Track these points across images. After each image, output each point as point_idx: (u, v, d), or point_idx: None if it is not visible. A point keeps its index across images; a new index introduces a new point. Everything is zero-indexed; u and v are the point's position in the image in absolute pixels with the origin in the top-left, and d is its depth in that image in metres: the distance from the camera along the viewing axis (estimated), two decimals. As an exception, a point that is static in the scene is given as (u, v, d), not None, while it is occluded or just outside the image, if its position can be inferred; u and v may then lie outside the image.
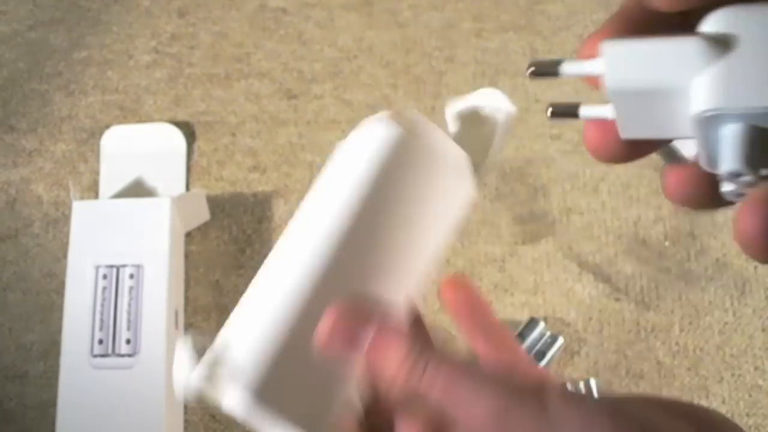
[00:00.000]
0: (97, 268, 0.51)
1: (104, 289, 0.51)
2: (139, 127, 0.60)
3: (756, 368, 0.56)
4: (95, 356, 0.50)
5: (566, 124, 0.64)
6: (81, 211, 0.53)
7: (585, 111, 0.26)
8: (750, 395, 0.55)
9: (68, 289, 0.51)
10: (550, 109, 0.25)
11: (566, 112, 0.25)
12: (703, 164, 0.22)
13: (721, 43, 0.20)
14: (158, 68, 0.64)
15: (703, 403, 0.55)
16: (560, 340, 0.54)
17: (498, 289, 0.57)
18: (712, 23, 0.21)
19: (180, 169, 0.60)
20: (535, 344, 0.54)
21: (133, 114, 0.63)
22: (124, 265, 0.52)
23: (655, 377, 0.55)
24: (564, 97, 0.65)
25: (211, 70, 0.64)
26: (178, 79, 0.64)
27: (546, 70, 0.24)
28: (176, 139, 0.60)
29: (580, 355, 0.56)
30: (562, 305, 0.57)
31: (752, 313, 0.57)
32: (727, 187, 0.21)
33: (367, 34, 0.66)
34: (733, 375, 0.56)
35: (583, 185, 0.61)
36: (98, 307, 0.51)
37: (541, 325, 0.55)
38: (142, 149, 0.60)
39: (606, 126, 0.26)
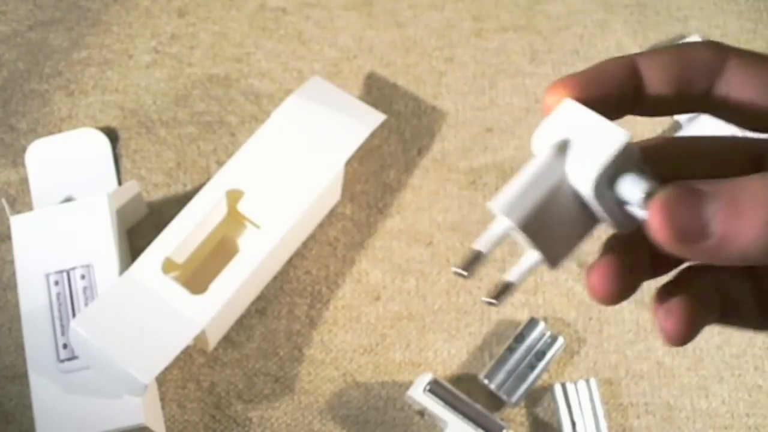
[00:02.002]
0: (47, 275, 0.52)
1: (58, 294, 0.51)
2: (61, 137, 0.60)
3: (756, 368, 0.56)
4: (62, 361, 0.50)
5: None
6: (20, 225, 0.53)
7: (513, 275, 0.28)
8: (750, 395, 0.55)
9: (22, 302, 0.51)
10: (489, 301, 0.28)
11: (502, 290, 0.29)
12: (617, 227, 0.27)
13: (561, 146, 0.25)
14: (158, 68, 0.64)
15: (703, 403, 0.55)
16: (560, 340, 0.54)
17: (498, 289, 0.57)
18: (543, 141, 0.26)
19: (109, 170, 0.60)
20: (535, 344, 0.54)
21: (133, 114, 0.63)
22: (73, 268, 0.52)
23: (655, 377, 0.55)
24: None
25: (211, 70, 0.64)
26: (178, 79, 0.64)
27: (471, 264, 0.28)
28: (101, 142, 0.61)
29: (580, 355, 0.56)
30: (562, 305, 0.57)
31: (752, 313, 0.57)
32: (640, 212, 0.25)
33: (367, 34, 0.66)
34: (733, 375, 0.56)
35: (583, 185, 0.61)
36: (56, 313, 0.51)
37: (541, 325, 0.55)
38: (68, 158, 0.60)
39: (605, 273, 0.28)
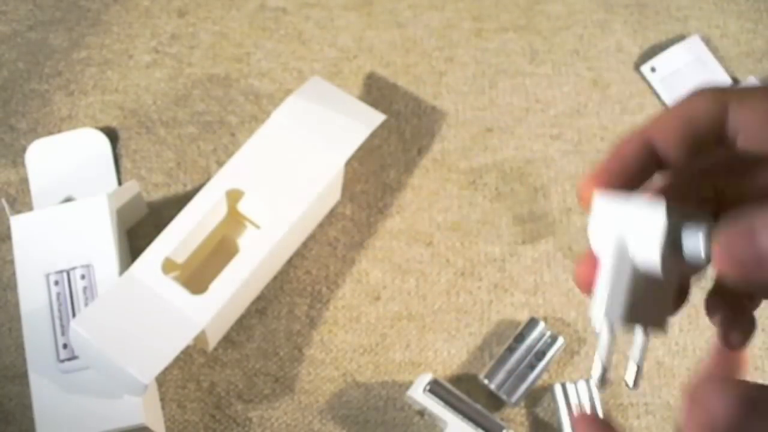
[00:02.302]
0: (48, 276, 0.52)
1: (58, 294, 0.51)
2: (61, 137, 0.60)
3: (756, 368, 0.56)
4: (62, 361, 0.50)
5: (566, 125, 0.64)
6: (20, 225, 0.53)
7: (637, 357, 0.30)
8: (750, 395, 0.55)
9: (22, 302, 0.51)
10: (629, 386, 0.31)
11: (637, 375, 0.31)
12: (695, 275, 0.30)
13: (619, 244, 0.28)
14: (158, 68, 0.64)
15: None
16: (560, 340, 0.54)
17: (498, 289, 0.57)
18: (600, 241, 0.29)
19: (109, 170, 0.60)
20: (535, 344, 0.54)
21: (133, 114, 0.63)
22: (73, 268, 0.52)
23: (655, 377, 0.55)
24: (563, 97, 0.65)
25: (211, 70, 0.64)
26: (178, 79, 0.64)
27: (603, 378, 0.30)
28: (101, 142, 0.61)
29: (580, 355, 0.56)
30: (562, 305, 0.57)
31: (752, 313, 0.57)
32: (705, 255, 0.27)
33: (367, 34, 0.66)
34: (733, 375, 0.56)
35: (583, 185, 0.61)
36: (56, 313, 0.51)
37: (541, 325, 0.55)
38: (68, 158, 0.60)
39: (592, 263, 0.29)
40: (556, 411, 0.54)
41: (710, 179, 0.31)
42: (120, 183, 0.60)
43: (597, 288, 0.28)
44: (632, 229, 0.28)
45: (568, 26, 0.67)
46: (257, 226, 0.54)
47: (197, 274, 0.54)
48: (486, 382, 0.54)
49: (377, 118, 0.57)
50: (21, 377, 0.54)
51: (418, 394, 0.52)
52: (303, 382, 0.55)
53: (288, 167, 0.54)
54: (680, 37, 0.67)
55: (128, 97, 0.63)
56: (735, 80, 0.65)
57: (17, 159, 0.60)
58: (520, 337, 0.54)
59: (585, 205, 0.29)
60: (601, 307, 0.28)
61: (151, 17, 0.67)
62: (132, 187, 0.56)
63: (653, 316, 0.29)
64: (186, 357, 0.55)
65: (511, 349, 0.54)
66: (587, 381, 0.53)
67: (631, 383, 0.30)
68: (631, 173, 0.29)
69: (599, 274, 0.28)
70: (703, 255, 0.27)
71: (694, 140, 0.29)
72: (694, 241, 0.27)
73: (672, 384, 0.55)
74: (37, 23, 0.66)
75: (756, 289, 0.27)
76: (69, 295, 0.52)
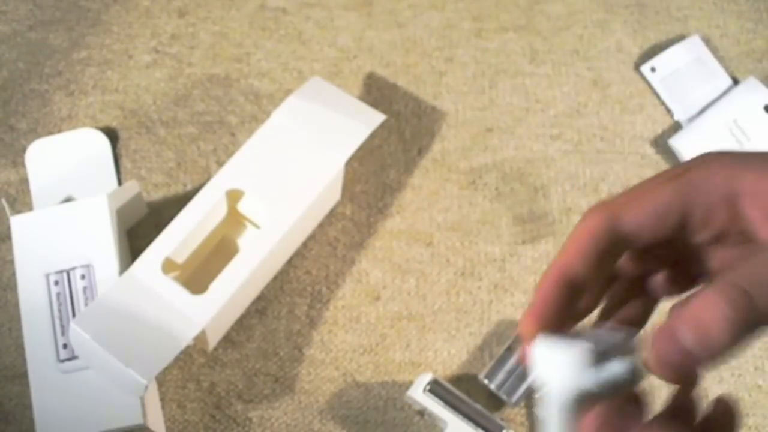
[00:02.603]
0: (48, 275, 0.52)
1: (58, 294, 0.51)
2: (61, 137, 0.60)
3: (756, 368, 0.56)
4: (62, 361, 0.50)
5: (566, 125, 0.64)
6: (20, 225, 0.53)
7: None
8: (750, 395, 0.55)
9: (22, 302, 0.51)
10: None
11: None
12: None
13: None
14: (158, 68, 0.64)
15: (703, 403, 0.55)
16: (560, 340, 0.54)
17: (498, 289, 0.57)
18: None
19: (109, 170, 0.60)
20: (535, 344, 0.54)
21: (133, 114, 0.63)
22: (73, 268, 0.52)
23: (655, 377, 0.55)
24: (563, 97, 0.65)
25: (211, 70, 0.64)
26: (178, 79, 0.64)
27: None
28: (101, 142, 0.61)
29: (580, 355, 0.56)
30: (562, 305, 0.57)
31: (752, 313, 0.57)
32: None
33: (367, 34, 0.66)
34: (733, 375, 0.56)
35: (583, 185, 0.61)
36: (56, 313, 0.51)
37: (541, 325, 0.55)
38: (68, 158, 0.60)
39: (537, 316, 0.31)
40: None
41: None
42: (120, 183, 0.60)
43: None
44: (556, 375, 0.29)
45: (568, 26, 0.67)
46: (257, 226, 0.54)
47: (197, 274, 0.54)
48: (486, 382, 0.54)
49: (377, 118, 0.57)
50: (21, 377, 0.54)
51: (418, 394, 0.52)
52: (303, 382, 0.55)
53: (288, 167, 0.54)
54: (680, 37, 0.67)
55: (128, 97, 0.63)
56: (735, 80, 0.65)
57: (17, 159, 0.60)
58: (520, 337, 0.54)
59: (527, 338, 0.31)
60: None
61: (151, 17, 0.67)
62: (132, 187, 0.56)
63: None
64: (186, 357, 0.55)
65: (511, 349, 0.54)
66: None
67: None
68: (557, 308, 0.31)
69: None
70: (634, 381, 0.29)
71: (602, 254, 0.31)
72: (624, 370, 0.29)
73: (672, 384, 0.55)
74: (37, 23, 0.66)
75: (693, 379, 0.31)
76: (69, 295, 0.52)
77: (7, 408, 0.53)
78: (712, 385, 0.55)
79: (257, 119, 0.62)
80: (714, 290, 0.26)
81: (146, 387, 0.46)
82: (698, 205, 0.30)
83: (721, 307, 0.26)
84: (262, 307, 0.57)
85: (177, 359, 0.49)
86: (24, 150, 0.60)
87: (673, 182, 0.30)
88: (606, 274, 0.32)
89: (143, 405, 0.49)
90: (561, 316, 0.31)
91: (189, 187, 0.60)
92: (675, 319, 0.27)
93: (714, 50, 0.66)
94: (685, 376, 0.28)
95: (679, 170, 0.30)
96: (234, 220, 0.55)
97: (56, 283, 0.52)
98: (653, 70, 0.65)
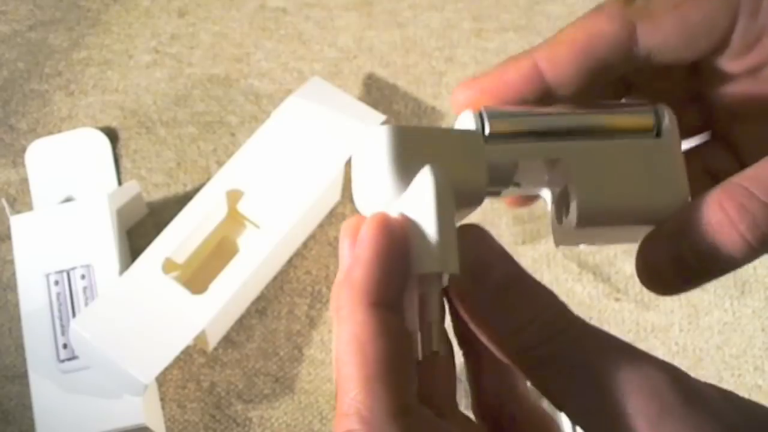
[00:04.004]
0: (47, 275, 0.52)
1: (58, 294, 0.51)
2: (61, 137, 0.60)
3: (756, 368, 0.56)
4: (62, 361, 0.50)
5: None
6: (20, 225, 0.53)
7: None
8: (750, 395, 0.55)
9: (22, 302, 0.51)
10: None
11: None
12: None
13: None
14: (158, 68, 0.64)
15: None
16: (560, 340, 0.54)
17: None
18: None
19: (109, 170, 0.60)
20: (535, 344, 0.54)
21: (133, 114, 0.63)
22: (73, 268, 0.52)
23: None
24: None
25: (211, 70, 0.64)
26: (178, 79, 0.64)
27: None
28: (101, 142, 0.61)
29: (580, 355, 0.56)
30: (562, 305, 0.57)
31: (752, 314, 0.57)
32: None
33: (367, 34, 0.66)
34: (733, 375, 0.56)
35: (583, 185, 0.61)
36: (56, 313, 0.51)
37: (541, 325, 0.55)
38: (68, 158, 0.60)
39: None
40: (555, 411, 0.54)
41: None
42: (120, 183, 0.60)
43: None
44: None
45: (568, 26, 0.67)
46: (257, 226, 0.54)
47: (197, 274, 0.54)
48: (486, 382, 0.53)
49: (377, 118, 0.57)
50: (21, 377, 0.54)
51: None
52: (303, 382, 0.55)
53: (288, 167, 0.54)
54: (680, 37, 0.67)
55: (128, 97, 0.63)
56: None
57: (17, 159, 0.60)
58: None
59: (456, 110, 0.27)
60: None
61: (151, 17, 0.67)
62: (132, 187, 0.56)
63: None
64: (186, 357, 0.55)
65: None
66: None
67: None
68: (510, 99, 0.26)
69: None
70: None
71: (593, 71, 0.26)
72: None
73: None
74: (37, 23, 0.66)
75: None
76: (69, 295, 0.52)
77: (7, 408, 0.53)
78: (712, 385, 0.55)
79: (257, 119, 0.62)
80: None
81: (146, 387, 0.47)
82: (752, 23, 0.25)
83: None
84: (262, 307, 0.57)
85: (177, 359, 0.49)
86: (24, 150, 0.60)
87: None
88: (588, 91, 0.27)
89: (143, 405, 0.49)
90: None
91: (189, 187, 0.60)
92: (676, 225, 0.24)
93: (714, 50, 0.66)
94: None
95: None
96: (234, 220, 0.55)
97: (56, 283, 0.52)
98: (653, 70, 0.65)
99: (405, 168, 0.24)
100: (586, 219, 0.26)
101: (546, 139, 0.26)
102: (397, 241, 0.23)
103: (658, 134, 0.26)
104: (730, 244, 0.23)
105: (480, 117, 0.26)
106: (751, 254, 0.23)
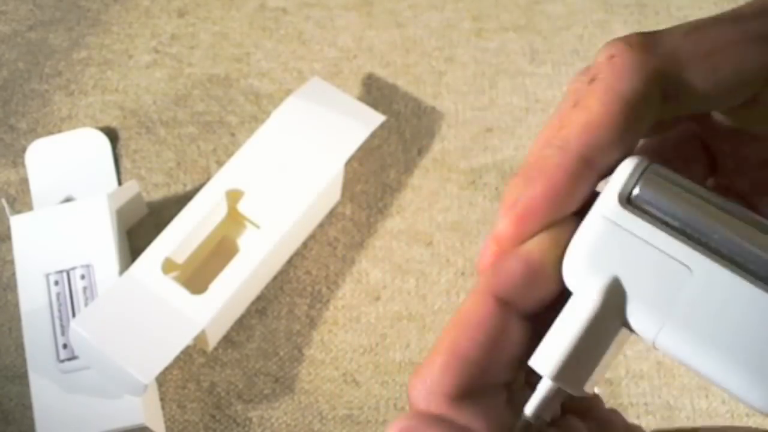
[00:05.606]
0: (47, 275, 0.52)
1: (58, 294, 0.51)
2: (61, 137, 0.60)
3: (756, 368, 0.56)
4: (62, 361, 0.50)
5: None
6: (20, 225, 0.53)
7: (530, 411, 0.23)
8: (750, 395, 0.55)
9: (22, 302, 0.51)
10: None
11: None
12: None
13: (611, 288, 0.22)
14: (158, 68, 0.64)
15: (703, 403, 0.55)
16: (560, 340, 0.54)
17: (498, 289, 0.57)
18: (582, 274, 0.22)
19: (109, 170, 0.60)
20: (535, 344, 0.54)
21: (133, 114, 0.63)
22: (73, 268, 0.52)
23: (655, 377, 0.55)
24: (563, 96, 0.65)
25: (211, 70, 0.64)
26: (178, 79, 0.64)
27: None
28: (101, 142, 0.61)
29: (580, 355, 0.56)
30: (562, 305, 0.57)
31: None
32: None
33: (367, 34, 0.66)
34: None
35: (583, 185, 0.61)
36: (56, 313, 0.51)
37: (541, 325, 0.55)
38: (68, 158, 0.60)
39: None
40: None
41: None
42: (120, 183, 0.60)
43: (558, 334, 0.22)
44: (638, 275, 0.21)
45: (568, 26, 0.67)
46: (257, 226, 0.54)
47: (197, 274, 0.54)
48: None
49: (377, 118, 0.57)
50: (21, 377, 0.54)
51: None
52: (303, 382, 0.55)
53: (288, 167, 0.54)
54: (680, 37, 0.67)
55: (128, 97, 0.63)
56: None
57: (17, 159, 0.60)
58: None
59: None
60: (556, 364, 0.22)
61: (151, 17, 0.67)
62: (132, 187, 0.56)
63: (581, 378, 0.23)
64: (186, 357, 0.55)
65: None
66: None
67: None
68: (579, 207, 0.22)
69: (565, 316, 0.22)
70: None
71: (637, 132, 0.22)
72: None
73: (672, 384, 0.55)
74: (37, 23, 0.66)
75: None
76: (69, 295, 0.52)
77: (7, 408, 0.53)
78: (712, 385, 0.55)
79: (257, 119, 0.62)
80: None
81: (146, 387, 0.47)
82: None
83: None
84: (262, 307, 0.57)
85: (177, 359, 0.49)
86: (24, 150, 0.60)
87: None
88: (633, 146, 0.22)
89: (143, 405, 0.49)
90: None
91: (189, 187, 0.60)
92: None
93: (714, 50, 0.66)
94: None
95: None
96: (234, 220, 0.55)
97: (56, 283, 0.52)
98: (653, 70, 0.65)
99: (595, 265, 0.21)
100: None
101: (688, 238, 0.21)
102: None
103: None
104: None
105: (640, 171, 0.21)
106: None
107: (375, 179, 0.61)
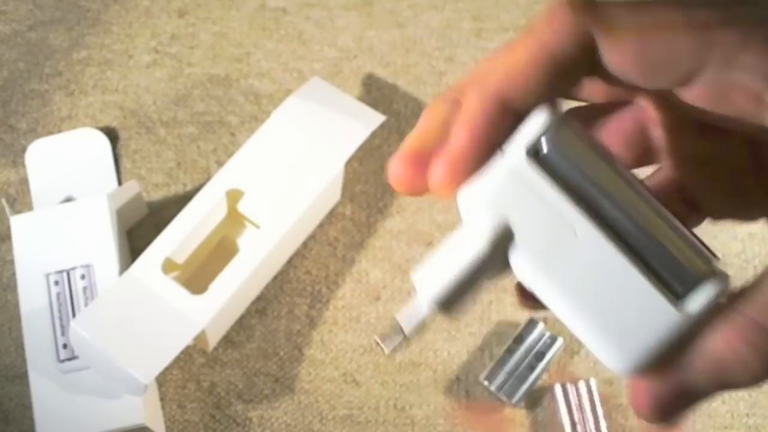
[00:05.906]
0: (47, 275, 0.52)
1: (58, 294, 0.51)
2: (61, 137, 0.60)
3: (756, 368, 0.56)
4: (62, 361, 0.50)
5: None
6: (20, 225, 0.53)
7: (409, 329, 0.27)
8: (750, 395, 0.55)
9: (22, 302, 0.51)
10: (381, 346, 0.27)
11: (398, 346, 0.27)
12: None
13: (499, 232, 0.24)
14: (158, 68, 0.64)
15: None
16: (560, 340, 0.54)
17: (498, 289, 0.57)
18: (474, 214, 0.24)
19: (109, 170, 0.60)
20: (535, 345, 0.54)
21: (133, 114, 0.63)
22: (73, 268, 0.52)
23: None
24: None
25: (211, 70, 0.64)
26: (178, 79, 0.64)
27: (393, 339, 0.27)
28: (101, 142, 0.61)
29: (580, 355, 0.56)
30: (562, 305, 0.57)
31: None
32: None
33: (367, 34, 0.66)
34: None
35: (583, 185, 0.61)
36: (56, 313, 0.51)
37: (541, 325, 0.55)
38: (68, 158, 0.60)
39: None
40: (556, 411, 0.54)
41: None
42: (120, 183, 0.60)
43: (442, 263, 0.25)
44: (528, 221, 0.23)
45: (568, 26, 0.67)
46: (257, 226, 0.54)
47: (197, 274, 0.54)
48: (486, 383, 0.54)
49: (377, 118, 0.57)
50: (21, 377, 0.54)
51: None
52: (303, 382, 0.55)
53: (288, 167, 0.54)
54: (680, 37, 0.67)
55: (128, 97, 0.63)
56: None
57: (17, 159, 0.60)
58: (519, 339, 0.54)
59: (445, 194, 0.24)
60: (439, 293, 0.25)
61: (151, 17, 0.67)
62: (132, 187, 0.56)
63: (458, 304, 0.26)
64: (186, 357, 0.55)
65: (510, 351, 0.54)
66: (587, 381, 0.54)
67: (387, 350, 0.27)
68: (491, 147, 0.23)
69: (451, 246, 0.25)
70: None
71: (558, 87, 0.22)
72: None
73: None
74: (37, 23, 0.66)
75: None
76: (69, 295, 0.52)
77: (7, 408, 0.53)
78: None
79: (257, 119, 0.62)
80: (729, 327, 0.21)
81: (146, 387, 0.47)
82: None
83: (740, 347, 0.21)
84: (262, 307, 0.57)
85: (177, 359, 0.49)
86: (24, 150, 0.60)
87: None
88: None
89: (143, 405, 0.49)
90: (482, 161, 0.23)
91: (189, 187, 0.60)
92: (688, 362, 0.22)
93: (714, 50, 0.66)
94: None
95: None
96: (234, 220, 0.55)
97: (56, 283, 0.52)
98: (653, 70, 0.65)
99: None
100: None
101: (586, 205, 0.23)
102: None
103: (679, 297, 0.23)
104: (741, 383, 0.22)
105: (550, 123, 0.22)
106: (759, 384, 0.22)
107: (375, 179, 0.61)
